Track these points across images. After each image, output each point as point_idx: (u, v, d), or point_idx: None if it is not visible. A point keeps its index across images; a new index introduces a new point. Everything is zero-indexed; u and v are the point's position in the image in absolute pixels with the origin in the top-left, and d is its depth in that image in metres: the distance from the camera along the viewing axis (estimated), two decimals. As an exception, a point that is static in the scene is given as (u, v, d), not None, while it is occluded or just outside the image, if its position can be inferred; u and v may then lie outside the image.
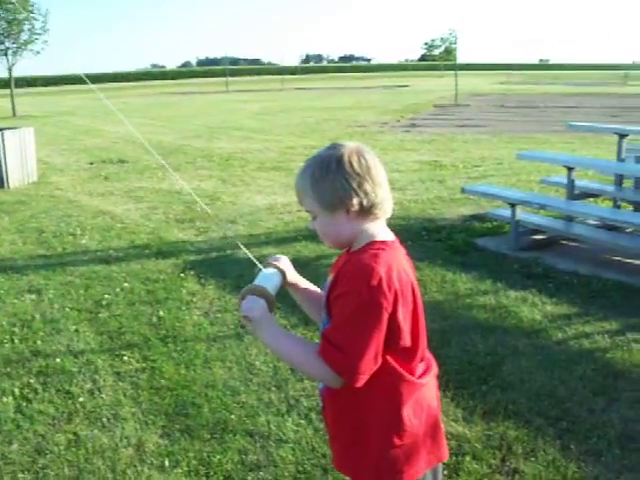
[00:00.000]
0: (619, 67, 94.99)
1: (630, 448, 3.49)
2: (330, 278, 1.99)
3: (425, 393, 2.02)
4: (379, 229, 1.95)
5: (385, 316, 1.82)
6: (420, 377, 2.00)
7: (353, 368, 1.81)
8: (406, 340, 1.91)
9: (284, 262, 2.21)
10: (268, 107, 33.63)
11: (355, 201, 1.87)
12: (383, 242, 1.92)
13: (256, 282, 2.05)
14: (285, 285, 2.18)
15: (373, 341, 1.81)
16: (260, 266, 2.17)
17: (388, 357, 1.88)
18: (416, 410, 1.98)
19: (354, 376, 1.82)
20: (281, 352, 2.01)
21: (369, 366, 1.82)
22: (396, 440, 1.95)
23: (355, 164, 1.87)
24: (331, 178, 1.87)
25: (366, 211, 1.90)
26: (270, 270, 2.15)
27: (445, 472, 2.20)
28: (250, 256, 2.33)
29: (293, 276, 2.22)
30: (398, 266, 1.88)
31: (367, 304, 1.79)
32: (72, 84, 70.79)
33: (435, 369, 2.10)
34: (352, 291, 1.81)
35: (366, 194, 1.87)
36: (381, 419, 1.96)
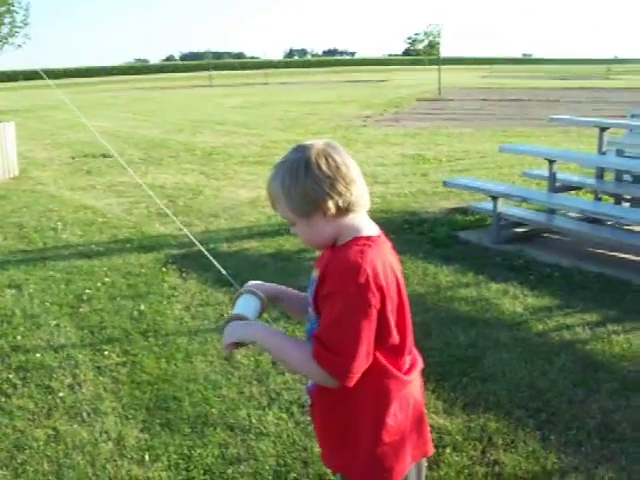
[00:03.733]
0: (601, 61, 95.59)
1: (609, 438, 3.51)
2: (316, 274, 1.97)
3: (411, 388, 2.02)
4: (363, 223, 1.93)
5: (374, 313, 1.81)
6: (407, 373, 1.99)
7: (346, 369, 1.79)
8: (394, 336, 1.90)
9: (256, 284, 2.20)
10: (251, 101, 33.52)
11: (330, 204, 1.84)
12: (368, 238, 1.89)
13: (233, 312, 2.06)
14: (265, 305, 2.16)
15: (364, 340, 1.79)
16: (223, 271, 2.16)
17: (377, 354, 1.87)
18: (402, 405, 1.97)
19: (347, 376, 1.81)
20: (276, 354, 2.04)
21: (362, 365, 1.81)
22: (385, 437, 1.95)
23: (324, 166, 1.84)
24: (301, 185, 1.84)
25: (343, 210, 1.87)
26: (245, 296, 2.14)
27: (425, 464, 2.20)
28: (215, 263, 2.32)
29: (269, 290, 2.20)
30: (384, 262, 1.87)
31: (356, 302, 1.78)
32: (55, 79, 70.34)
33: (421, 364, 2.10)
34: (340, 290, 1.79)
35: (340, 195, 1.85)
36: (370, 416, 1.95)
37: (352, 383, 1.82)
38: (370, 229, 1.94)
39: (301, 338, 2.01)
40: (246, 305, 2.09)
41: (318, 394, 2.02)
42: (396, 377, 1.94)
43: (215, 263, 2.28)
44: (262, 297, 2.13)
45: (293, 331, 4.74)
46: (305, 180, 1.84)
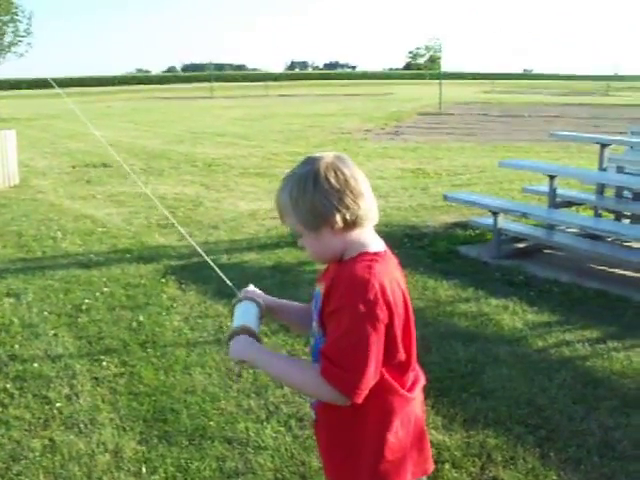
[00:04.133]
0: (601, 77, 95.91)
1: (609, 456, 3.49)
2: (321, 288, 1.95)
3: (413, 405, 2.01)
4: (369, 238, 1.91)
5: (383, 329, 1.79)
6: (410, 390, 1.97)
7: (355, 385, 1.77)
8: (401, 353, 1.89)
9: (254, 292, 2.19)
10: (252, 113, 33.60)
11: (338, 217, 1.82)
12: (375, 253, 1.88)
13: (235, 322, 2.05)
14: (263, 310, 2.14)
15: (373, 356, 1.77)
16: (230, 284, 2.15)
17: (382, 370, 1.85)
18: (404, 422, 1.96)
19: (356, 393, 1.78)
20: (283, 378, 2.03)
21: (370, 381, 1.79)
22: (388, 454, 1.93)
23: (332, 179, 1.82)
24: (309, 198, 1.82)
25: (351, 224, 1.85)
26: (244, 304, 2.12)
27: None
28: (220, 273, 2.31)
29: (267, 301, 2.18)
30: (391, 277, 1.85)
31: (365, 318, 1.75)
32: (54, 87, 70.30)
33: (423, 381, 2.07)
34: (348, 305, 1.76)
35: (348, 208, 1.83)
36: (374, 433, 1.93)
37: (360, 400, 1.80)
38: (377, 244, 1.92)
39: (305, 359, 1.98)
40: (247, 313, 2.07)
41: (323, 410, 1.99)
42: (400, 394, 1.93)
43: (221, 275, 2.27)
44: (260, 303, 2.12)
45: (292, 344, 4.74)
46: (314, 193, 1.82)
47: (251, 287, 2.21)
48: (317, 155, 1.90)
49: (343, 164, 1.87)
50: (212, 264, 2.47)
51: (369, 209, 1.88)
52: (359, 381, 1.77)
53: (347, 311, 1.76)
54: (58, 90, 3.99)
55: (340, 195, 1.82)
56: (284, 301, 2.27)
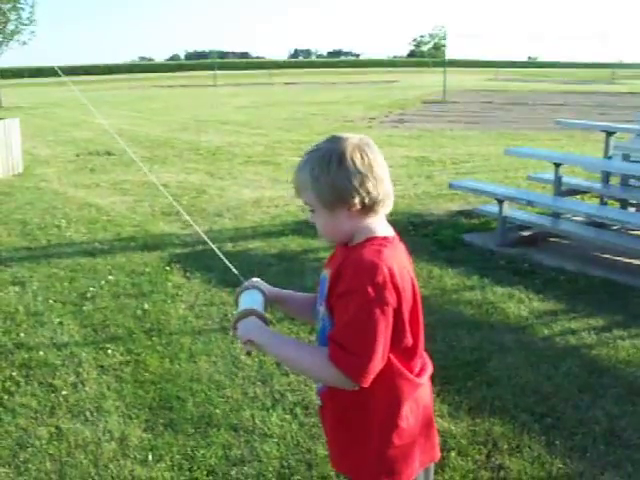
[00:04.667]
0: (606, 65, 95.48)
1: (615, 444, 3.49)
2: (328, 272, 1.95)
3: (422, 392, 2.00)
4: (379, 224, 1.90)
5: (391, 313, 1.78)
6: (418, 376, 1.97)
7: (363, 369, 1.76)
8: (408, 338, 1.88)
9: (259, 282, 2.18)
10: (256, 101, 33.53)
11: (357, 200, 1.82)
12: (384, 238, 1.87)
13: (241, 307, 2.04)
14: (267, 299, 2.13)
15: (381, 340, 1.76)
16: (236, 272, 2.14)
17: (390, 355, 1.84)
18: (413, 407, 1.95)
19: (363, 376, 1.77)
20: (290, 362, 2.01)
21: (378, 365, 1.78)
22: (396, 440, 1.93)
23: (358, 161, 1.82)
24: (332, 176, 1.81)
25: (368, 208, 1.85)
26: (250, 291, 2.12)
27: (433, 470, 2.18)
28: (227, 262, 2.31)
29: (271, 292, 2.18)
30: (399, 263, 1.84)
31: (374, 302, 1.74)
32: (60, 76, 70.19)
33: (431, 368, 2.07)
34: (357, 289, 1.75)
35: (368, 192, 1.82)
36: (382, 419, 1.92)
37: (367, 383, 1.79)
38: (386, 230, 1.92)
39: (312, 343, 1.97)
40: (253, 300, 2.06)
41: (330, 396, 1.99)
42: (409, 379, 1.92)
43: (227, 263, 2.26)
44: (264, 291, 2.12)
45: (297, 332, 4.73)
46: (337, 172, 1.81)
47: (256, 279, 2.21)
48: (343, 135, 1.89)
49: (368, 147, 1.87)
50: (219, 253, 2.47)
51: (387, 196, 1.88)
52: (367, 365, 1.76)
53: (356, 295, 1.76)
54: (65, 78, 3.98)
55: (362, 178, 1.82)
56: (288, 291, 2.26)
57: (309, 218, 1.96)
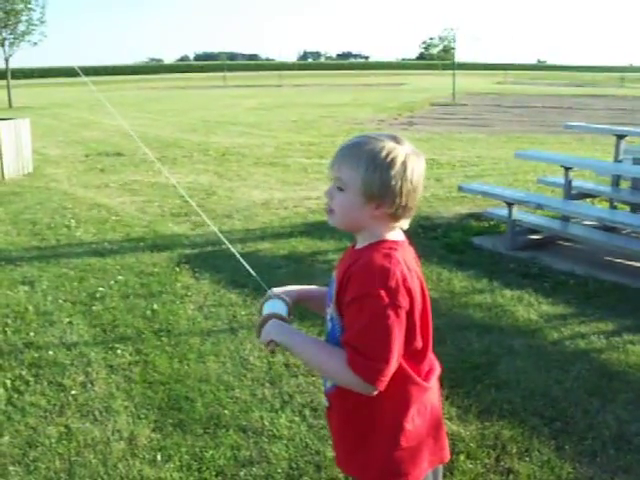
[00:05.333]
0: (616, 69, 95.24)
1: (625, 449, 3.47)
2: (337, 275, 1.94)
3: (430, 394, 2.00)
4: (392, 229, 1.91)
5: (404, 317, 1.78)
6: (426, 379, 1.97)
7: (380, 373, 1.76)
8: (419, 341, 1.89)
9: (279, 290, 2.18)
10: (265, 103, 33.57)
11: (393, 206, 1.83)
12: (394, 242, 1.88)
13: (265, 312, 2.06)
14: (291, 309, 2.13)
15: (396, 343, 1.77)
16: (252, 272, 2.14)
17: (401, 359, 1.84)
18: (420, 410, 1.96)
19: (380, 380, 1.77)
20: (310, 361, 2.01)
21: (393, 369, 1.79)
22: (403, 442, 1.93)
23: (415, 173, 1.83)
24: (390, 173, 1.81)
25: (394, 215, 1.86)
26: (272, 301, 2.12)
27: (442, 471, 2.17)
28: (246, 266, 2.31)
29: (294, 294, 2.18)
30: (409, 266, 1.84)
31: (388, 306, 1.74)
32: (70, 76, 70.54)
33: (438, 370, 2.07)
34: (371, 294, 1.75)
35: (405, 205, 1.84)
36: (390, 421, 1.93)
37: (383, 387, 1.79)
38: (397, 234, 1.92)
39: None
40: (275, 307, 2.07)
41: (338, 397, 1.99)
42: (417, 383, 1.93)
43: (245, 265, 2.25)
44: (288, 302, 2.12)
45: (306, 333, 4.72)
46: (397, 171, 1.81)
47: (277, 289, 2.20)
48: (403, 139, 1.88)
49: (422, 158, 1.89)
50: (240, 258, 2.46)
51: (413, 208, 1.90)
52: (384, 369, 1.76)
53: (369, 299, 1.75)
54: (85, 79, 3.99)
55: (410, 189, 1.84)
56: (309, 288, 2.27)
57: (326, 195, 1.92)
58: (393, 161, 1.81)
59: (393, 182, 1.81)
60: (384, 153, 1.82)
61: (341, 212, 1.91)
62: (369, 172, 1.82)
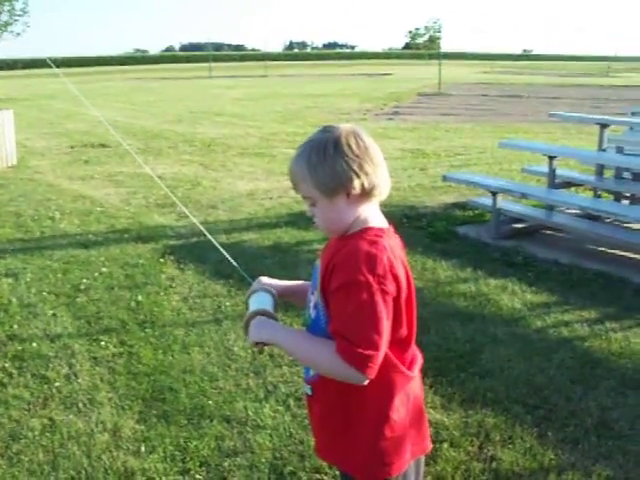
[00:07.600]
0: (602, 58, 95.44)
1: (607, 436, 3.50)
2: (321, 263, 1.94)
3: (412, 384, 2.00)
4: (373, 214, 1.90)
5: (392, 303, 1.78)
6: (409, 368, 1.97)
7: (370, 361, 1.75)
8: (404, 329, 1.89)
9: (267, 282, 2.18)
10: (251, 93, 33.44)
11: (356, 183, 1.82)
12: (380, 229, 1.87)
13: (251, 309, 2.05)
14: (277, 300, 2.13)
15: (384, 330, 1.76)
16: (243, 273, 2.14)
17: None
18: (403, 400, 1.95)
19: (371, 368, 1.76)
20: (299, 355, 1.98)
21: (381, 356, 1.78)
22: (387, 431, 1.93)
23: (354, 146, 1.83)
24: (330, 162, 1.82)
25: (367, 193, 1.85)
26: (258, 294, 2.12)
27: (424, 461, 2.18)
28: (231, 259, 2.31)
29: (279, 288, 2.18)
30: (395, 253, 1.84)
31: (376, 293, 1.74)
32: (52, 68, 69.84)
33: (421, 360, 2.06)
34: (357, 281, 1.74)
35: (367, 175, 1.83)
36: (373, 410, 1.92)
37: (374, 375, 1.78)
38: (380, 221, 1.92)
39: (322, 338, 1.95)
40: (262, 302, 2.07)
41: (321, 385, 1.98)
42: (401, 372, 1.92)
43: (229, 258, 2.25)
44: (274, 293, 2.12)
45: (291, 323, 4.73)
46: (335, 157, 1.82)
47: (264, 278, 2.20)
48: (335, 124, 1.91)
49: (362, 133, 1.89)
50: (226, 254, 2.46)
51: (384, 180, 1.90)
52: (373, 356, 1.75)
53: (357, 286, 1.74)
54: (57, 70, 3.96)
55: (360, 161, 1.83)
56: (297, 283, 2.26)
57: (308, 212, 1.95)
58: (327, 150, 1.83)
59: (339, 166, 1.82)
60: (315, 149, 1.85)
61: (324, 223, 1.93)
62: (313, 174, 1.84)
